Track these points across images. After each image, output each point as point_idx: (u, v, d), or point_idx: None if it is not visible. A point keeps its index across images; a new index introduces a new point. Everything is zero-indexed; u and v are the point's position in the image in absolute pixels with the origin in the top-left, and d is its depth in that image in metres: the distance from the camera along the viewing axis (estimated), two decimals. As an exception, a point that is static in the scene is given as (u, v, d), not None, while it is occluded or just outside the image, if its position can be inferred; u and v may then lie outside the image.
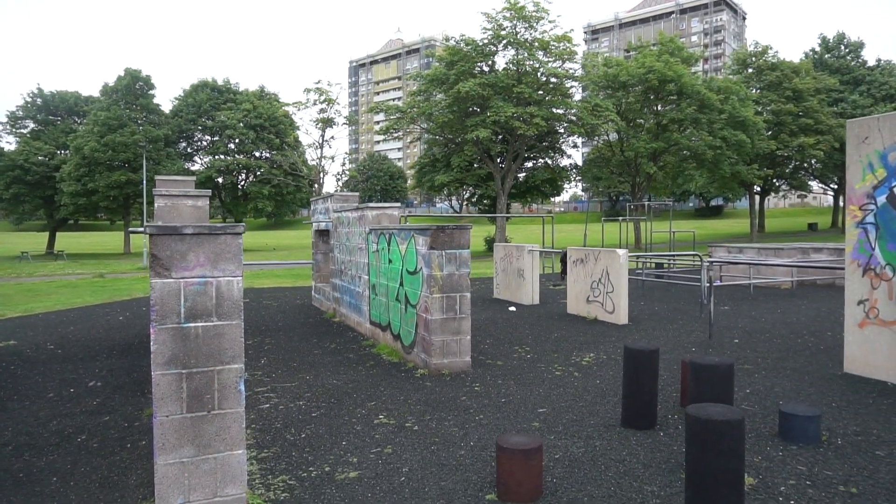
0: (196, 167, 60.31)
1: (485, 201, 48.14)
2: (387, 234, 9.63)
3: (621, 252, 11.15)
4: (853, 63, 51.94)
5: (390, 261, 9.46)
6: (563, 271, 13.29)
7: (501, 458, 4.17)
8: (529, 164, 43.99)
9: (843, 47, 52.56)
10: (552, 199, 72.14)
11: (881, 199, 6.90)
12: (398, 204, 10.98)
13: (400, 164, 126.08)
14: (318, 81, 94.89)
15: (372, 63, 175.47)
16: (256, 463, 4.98)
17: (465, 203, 62.14)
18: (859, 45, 52.39)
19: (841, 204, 59.34)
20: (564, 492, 4.30)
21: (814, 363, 7.95)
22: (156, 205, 6.73)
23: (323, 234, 15.19)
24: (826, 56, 52.59)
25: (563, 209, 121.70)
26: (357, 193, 13.84)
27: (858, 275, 7.16)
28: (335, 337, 10.81)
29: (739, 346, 9.14)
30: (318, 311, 14.27)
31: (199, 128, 59.37)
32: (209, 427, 3.96)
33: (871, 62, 52.81)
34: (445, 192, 51.08)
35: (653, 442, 5.20)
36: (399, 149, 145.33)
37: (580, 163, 50.03)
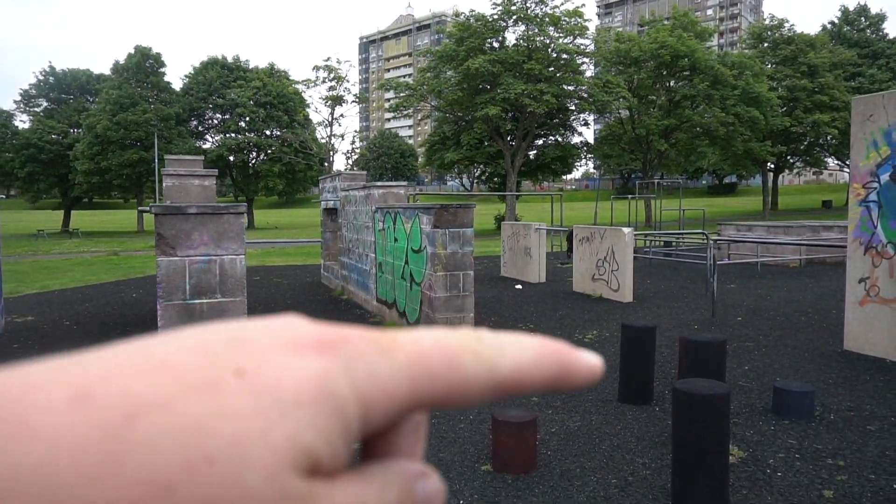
0: (207, 146, 60.61)
1: (495, 179, 48.08)
2: (392, 212, 9.74)
3: (626, 230, 11.19)
4: (873, 36, 50.82)
5: (396, 239, 9.58)
6: (570, 249, 13.37)
7: (496, 431, 4.31)
8: (540, 142, 43.75)
9: (863, 20, 51.39)
10: (563, 178, 71.79)
11: (884, 177, 6.89)
12: (405, 183, 11.07)
13: (411, 141, 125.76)
14: (328, 59, 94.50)
15: (382, 39, 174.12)
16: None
17: (475, 181, 62.07)
18: (881, 18, 51.20)
19: (857, 181, 58.53)
20: (558, 463, 4.45)
21: (815, 341, 8.01)
22: (164, 184, 6.88)
23: (331, 213, 15.33)
24: (845, 28, 51.48)
25: (574, 187, 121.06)
26: (364, 172, 13.95)
27: (860, 253, 7.18)
28: (342, 314, 10.99)
29: (742, 323, 9.20)
30: (326, 289, 14.47)
31: (210, 106, 59.46)
32: (215, 399, 4.12)
33: (893, 35, 51.67)
34: (456, 170, 51.05)
35: (648, 416, 5.33)
36: (410, 126, 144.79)
37: (591, 140, 49.66)
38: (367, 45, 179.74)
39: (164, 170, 7.13)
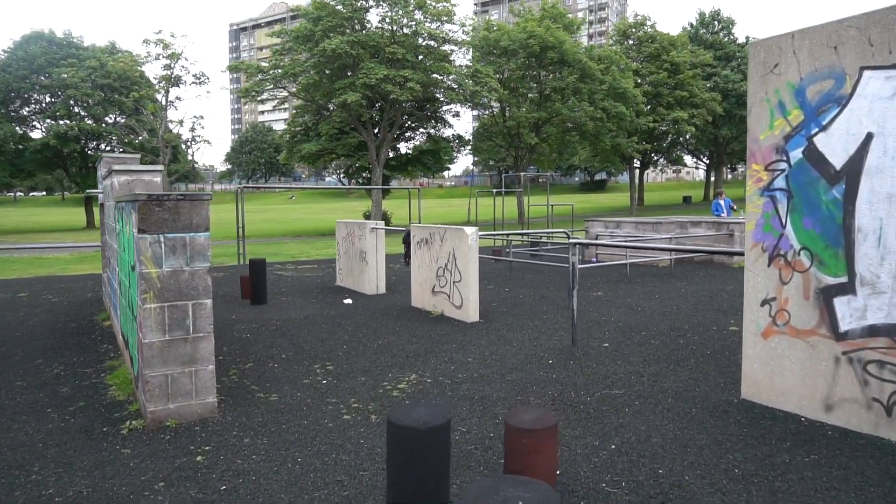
0: (36, 133, 52.52)
1: (364, 174, 44.95)
2: (120, 208, 6.58)
3: (469, 231, 8.73)
4: (725, 39, 53.27)
5: (124, 248, 6.44)
6: (407, 254, 10.78)
7: None
8: (409, 135, 41.22)
9: (716, 23, 53.74)
10: (444, 174, 70.03)
11: (796, 155, 4.79)
12: (160, 167, 7.89)
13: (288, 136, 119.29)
14: (159, 31, 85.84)
15: (254, 27, 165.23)
16: None
17: (342, 175, 58.54)
18: (731, 22, 53.78)
19: (712, 178, 61.57)
20: None
21: (702, 382, 5.89)
22: None
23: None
24: (701, 31, 53.58)
25: (453, 183, 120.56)
26: (138, 155, 10.53)
27: (763, 263, 5.06)
28: (79, 353, 7.63)
29: (609, 353, 6.99)
30: (100, 310, 10.91)
31: (36, 87, 51.33)
32: None
33: (742, 39, 54.48)
34: (322, 163, 47.32)
35: None
36: (285, 120, 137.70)
37: (465, 134, 47.95)
38: (237, 32, 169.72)
39: None
